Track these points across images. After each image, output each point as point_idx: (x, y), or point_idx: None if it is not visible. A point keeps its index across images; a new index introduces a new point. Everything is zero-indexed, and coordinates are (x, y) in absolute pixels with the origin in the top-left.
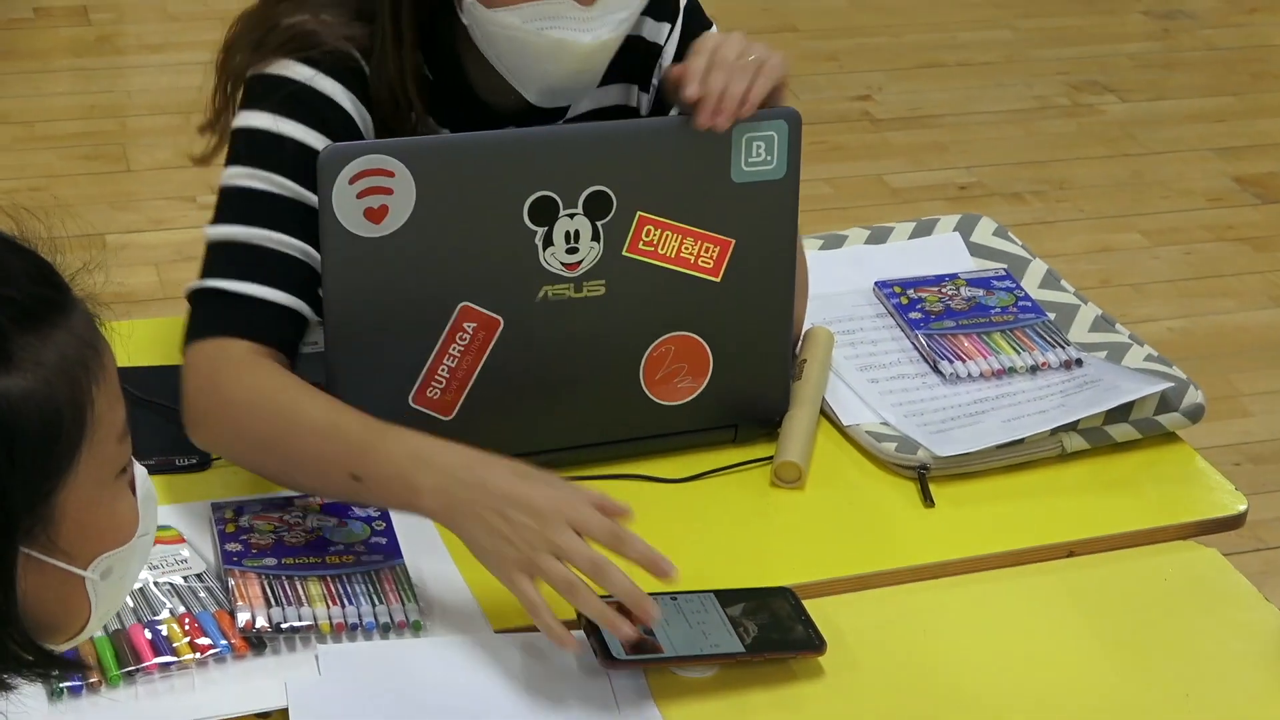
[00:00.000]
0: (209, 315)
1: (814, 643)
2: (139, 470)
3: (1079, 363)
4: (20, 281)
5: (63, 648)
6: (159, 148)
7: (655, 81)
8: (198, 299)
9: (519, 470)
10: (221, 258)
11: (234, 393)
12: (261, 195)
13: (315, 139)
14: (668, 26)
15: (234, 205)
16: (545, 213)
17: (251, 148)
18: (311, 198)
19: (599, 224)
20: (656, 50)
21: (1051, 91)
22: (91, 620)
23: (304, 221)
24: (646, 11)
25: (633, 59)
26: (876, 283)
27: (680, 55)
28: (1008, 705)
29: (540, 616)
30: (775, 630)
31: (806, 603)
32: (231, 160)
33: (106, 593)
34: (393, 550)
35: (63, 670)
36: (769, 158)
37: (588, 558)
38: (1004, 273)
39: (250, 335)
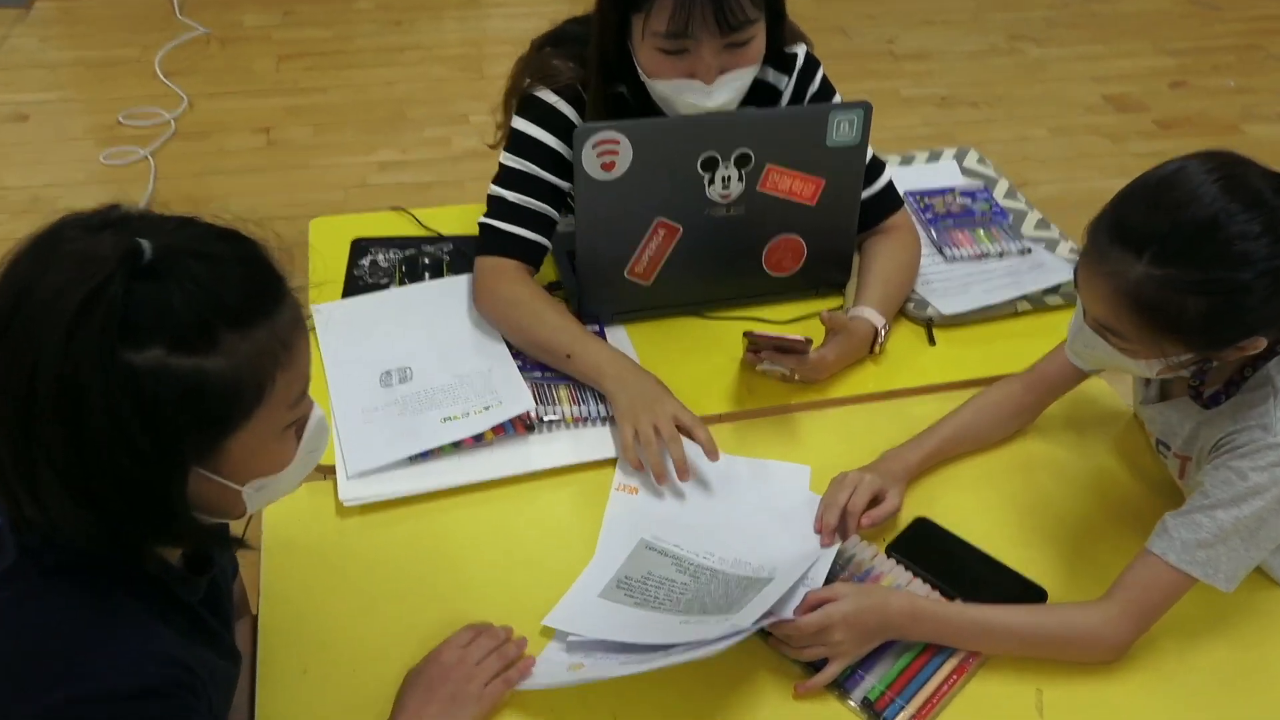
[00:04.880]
0: (487, 241)
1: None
2: (315, 414)
3: (1029, 250)
4: (236, 290)
5: (230, 520)
6: (501, 61)
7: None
8: (483, 228)
9: (647, 391)
10: (496, 206)
11: (505, 293)
12: (521, 173)
13: (553, 141)
14: (786, 77)
15: (505, 176)
16: (710, 165)
17: (517, 142)
18: (549, 176)
19: (743, 171)
20: (777, 94)
21: (997, 40)
22: (249, 510)
23: (543, 190)
24: (768, 63)
25: (760, 93)
26: (906, 191)
27: (796, 98)
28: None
29: (625, 450)
30: None
31: (842, 410)
32: (507, 147)
33: (259, 498)
34: None
35: (217, 543)
36: (850, 132)
37: (669, 431)
38: (983, 188)
39: (511, 256)
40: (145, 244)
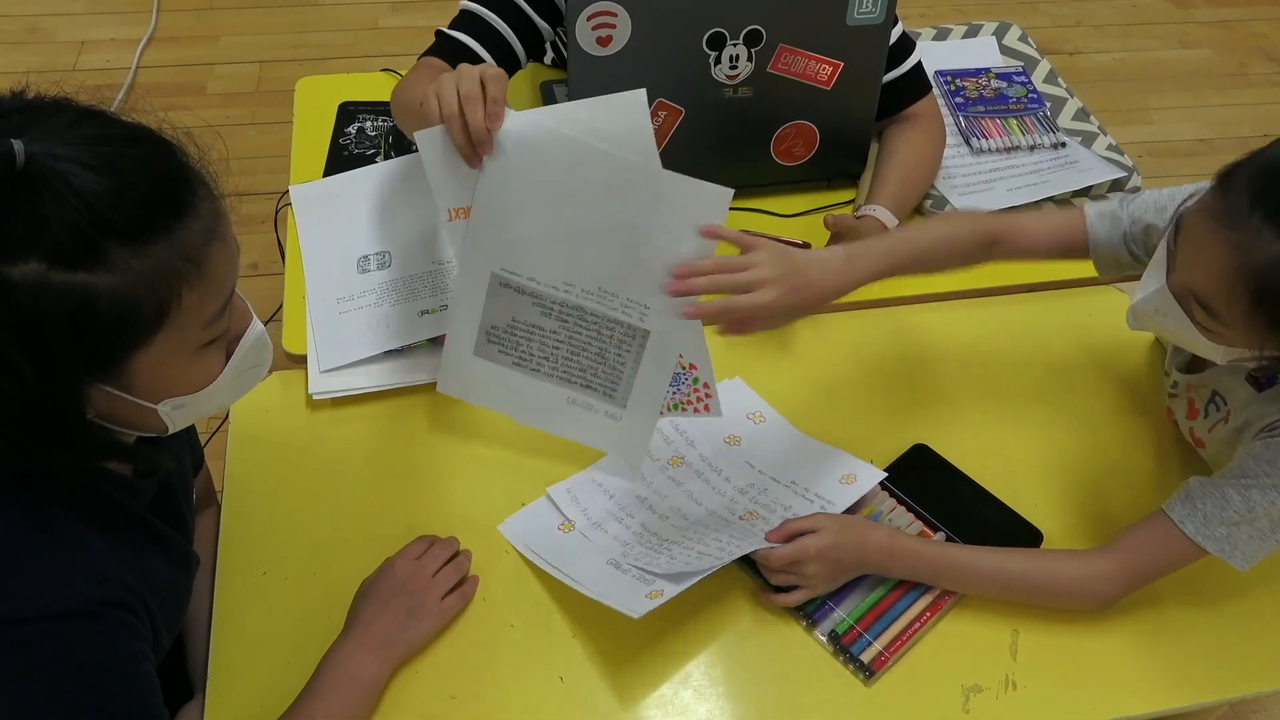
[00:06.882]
0: (435, 46)
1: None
2: (253, 331)
3: (1063, 144)
4: (127, 202)
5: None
6: None
7: None
8: (438, 34)
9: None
10: (461, 19)
11: (407, 83)
12: None
13: None
14: None
15: None
16: (717, 42)
17: None
18: (526, 7)
19: (753, 50)
20: None
21: None
22: (171, 428)
23: (516, 17)
24: None
25: None
26: (937, 71)
27: None
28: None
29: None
30: None
31: (837, 316)
32: None
33: (181, 415)
34: None
35: (137, 458)
36: (874, 9)
37: (469, 87)
38: (1021, 69)
39: (451, 62)
40: (18, 146)
